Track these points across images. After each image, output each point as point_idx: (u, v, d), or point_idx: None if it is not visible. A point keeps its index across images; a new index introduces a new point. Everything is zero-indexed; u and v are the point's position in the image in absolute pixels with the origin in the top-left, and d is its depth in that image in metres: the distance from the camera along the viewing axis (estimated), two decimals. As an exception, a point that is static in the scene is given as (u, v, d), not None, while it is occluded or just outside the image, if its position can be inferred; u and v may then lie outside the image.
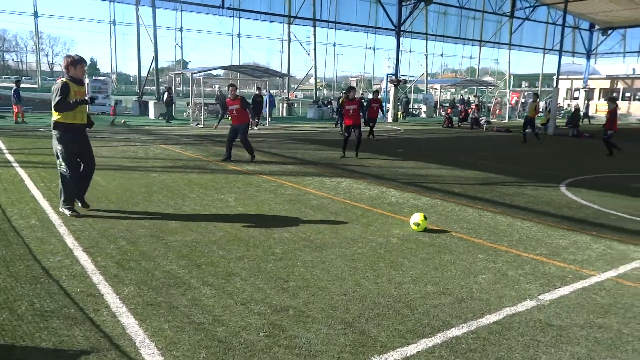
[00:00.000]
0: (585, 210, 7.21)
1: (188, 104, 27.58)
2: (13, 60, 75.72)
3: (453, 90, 74.87)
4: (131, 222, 5.88)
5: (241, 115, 11.16)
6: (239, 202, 7.11)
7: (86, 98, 6.15)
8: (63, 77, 6.10)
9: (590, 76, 44.87)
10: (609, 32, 43.92)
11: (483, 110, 31.62)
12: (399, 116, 31.38)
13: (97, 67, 69.21)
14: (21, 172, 8.98)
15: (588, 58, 45.33)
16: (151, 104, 27.03)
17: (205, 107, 26.52)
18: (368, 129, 17.18)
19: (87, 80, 28.39)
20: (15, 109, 20.30)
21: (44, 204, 6.63)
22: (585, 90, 43.13)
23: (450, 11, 39.61)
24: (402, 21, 30.31)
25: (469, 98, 42.72)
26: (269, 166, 10.77)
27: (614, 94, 43.67)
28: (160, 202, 6.94)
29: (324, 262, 4.69)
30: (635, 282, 4.35)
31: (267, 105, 24.96)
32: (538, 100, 19.46)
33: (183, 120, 25.06)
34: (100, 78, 30.62)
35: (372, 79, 76.81)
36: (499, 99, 35.46)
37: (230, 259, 4.71)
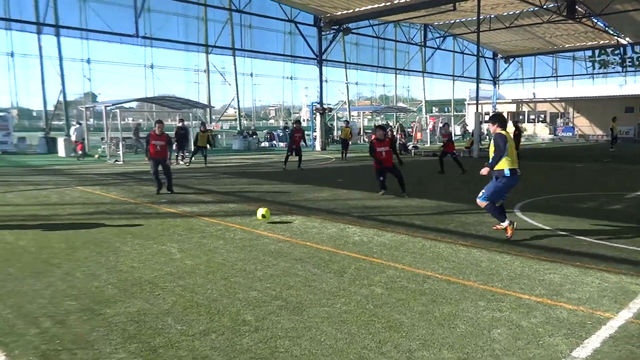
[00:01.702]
0: (554, 237, 6.99)
1: (102, 138, 25.55)
2: None
3: (370, 117, 77.14)
4: (54, 292, 4.72)
5: (163, 151, 11.34)
6: (184, 254, 6.11)
7: None
8: None
9: (497, 100, 47.90)
10: (510, 60, 47.40)
11: (409, 135, 32.34)
12: (327, 144, 31.24)
13: (-6, 101, 63.47)
14: None
15: (494, 84, 48.46)
16: (60, 140, 24.72)
17: (123, 142, 24.69)
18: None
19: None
20: None
21: None
22: (495, 114, 45.83)
23: (365, 41, 40.68)
24: (323, 50, 30.47)
25: (387, 123, 43.84)
26: (207, 206, 9.76)
27: (520, 117, 46.95)
28: (87, 261, 5.78)
29: (309, 328, 3.89)
30: (651, 321, 3.98)
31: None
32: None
33: (91, 158, 23.08)
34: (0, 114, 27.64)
35: (291, 108, 77.22)
36: (418, 124, 36.56)
37: (193, 335, 3.76)
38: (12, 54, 33.70)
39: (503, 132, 6.81)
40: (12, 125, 27.12)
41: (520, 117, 48.13)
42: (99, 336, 3.73)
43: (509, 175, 6.72)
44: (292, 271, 5.39)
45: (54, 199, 10.62)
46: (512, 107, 48.47)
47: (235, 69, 34.58)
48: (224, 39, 32.27)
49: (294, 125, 18.28)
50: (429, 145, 33.99)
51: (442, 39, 40.40)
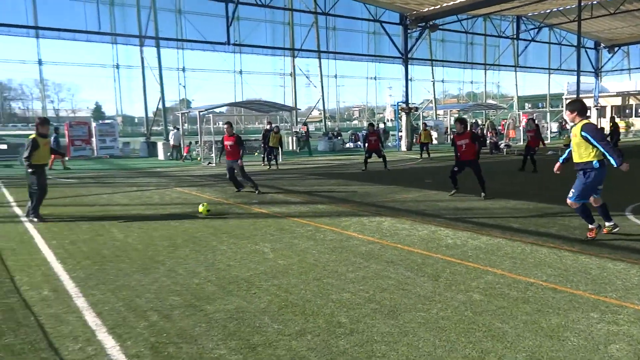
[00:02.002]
0: (672, 243, 6.28)
1: (196, 142, 27.00)
2: (19, 108, 76.28)
3: (456, 115, 74.61)
4: (160, 286, 5.01)
5: (234, 152, 11.78)
6: (277, 254, 6.24)
7: None
8: None
9: (600, 94, 44.31)
10: (615, 49, 43.61)
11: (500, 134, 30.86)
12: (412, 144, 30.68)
13: (102, 110, 69.48)
14: (30, 227, 8.18)
15: (596, 76, 44.89)
16: (159, 145, 26.48)
17: (215, 145, 25.89)
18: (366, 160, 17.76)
19: (94, 124, 28.00)
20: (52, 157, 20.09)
21: (57, 267, 5.78)
22: (597, 109, 42.47)
23: (452, 37, 39.39)
24: (409, 49, 29.91)
25: (476, 121, 42.10)
26: (296, 207, 9.93)
27: (627, 111, 43.08)
28: (188, 258, 6.08)
29: (405, 333, 3.78)
30: None
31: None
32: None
33: (194, 161, 24.44)
34: (107, 121, 30.20)
35: (375, 109, 76.83)
36: (511, 121, 34.72)
37: (289, 335, 3.81)
38: (117, 66, 36.71)
39: (588, 121, 6.28)
40: (117, 131, 29.50)
41: (627, 111, 44.16)
42: (201, 331, 3.90)
43: (598, 167, 6.14)
44: (384, 274, 5.30)
45: (156, 199, 11.35)
46: (617, 101, 44.60)
47: (320, 71, 35.03)
48: (309, 42, 32.84)
49: (369, 129, 18.27)
50: (521, 143, 32.17)
51: (536, 30, 38.09)
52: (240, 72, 40.44)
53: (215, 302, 4.55)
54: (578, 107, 6.45)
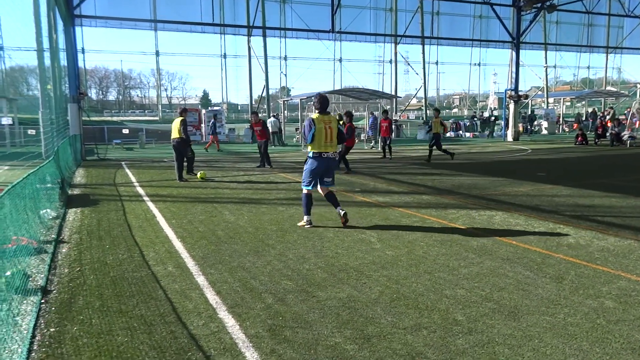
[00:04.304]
0: None
1: (297, 129, 27.65)
2: (137, 95, 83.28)
3: (569, 103, 68.93)
4: (272, 270, 5.16)
5: (262, 134, 15.48)
6: (384, 244, 6.16)
7: None
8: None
9: None
10: None
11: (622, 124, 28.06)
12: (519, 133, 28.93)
13: (210, 98, 73.77)
14: (152, 206, 8.85)
15: None
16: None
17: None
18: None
19: (203, 111, 29.74)
20: (210, 139, 23.20)
21: (178, 245, 6.19)
22: None
23: (568, 18, 36.31)
24: (521, 32, 28.03)
25: (594, 110, 38.59)
26: (399, 196, 9.76)
27: None
28: (297, 244, 6.21)
29: (530, 337, 3.53)
30: None
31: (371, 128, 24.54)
32: None
33: (294, 146, 25.05)
34: (215, 108, 31.91)
35: (477, 96, 73.45)
36: (636, 109, 31.32)
37: (404, 328, 3.73)
38: (224, 56, 38.53)
39: None
40: (224, 118, 31.07)
41: None
42: (315, 318, 3.94)
43: None
44: (500, 271, 5.01)
45: (262, 184, 11.77)
46: None
47: (423, 57, 34.12)
48: (412, 28, 32.07)
49: (382, 116, 18.76)
50: (648, 134, 28.97)
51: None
52: (340, 59, 40.67)
53: (326, 289, 4.59)
54: None
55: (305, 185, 7.07)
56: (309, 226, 7.07)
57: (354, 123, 16.14)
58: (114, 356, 3.34)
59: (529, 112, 34.14)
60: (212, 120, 23.56)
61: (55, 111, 14.65)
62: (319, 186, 7.13)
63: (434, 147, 16.69)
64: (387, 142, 18.08)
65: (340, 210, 7.06)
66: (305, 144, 7.16)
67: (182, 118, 12.35)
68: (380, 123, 18.47)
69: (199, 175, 12.63)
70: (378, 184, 11.52)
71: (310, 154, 6.97)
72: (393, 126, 31.67)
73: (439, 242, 6.19)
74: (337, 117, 17.04)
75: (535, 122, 35.11)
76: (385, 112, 19.83)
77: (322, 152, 6.89)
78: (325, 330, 3.72)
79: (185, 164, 12.73)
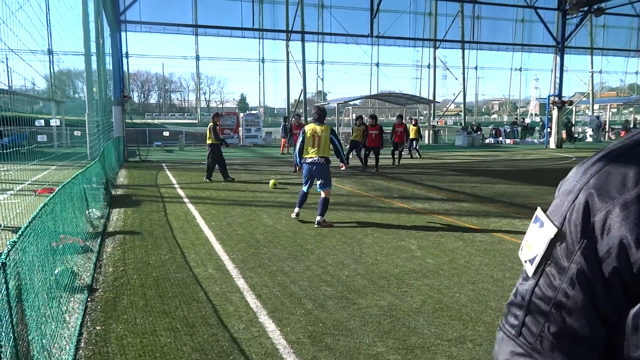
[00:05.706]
0: None
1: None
2: (177, 99, 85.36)
3: (615, 110, 66.49)
4: (312, 275, 5.14)
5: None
6: (425, 252, 6.05)
7: None
8: None
9: None
10: None
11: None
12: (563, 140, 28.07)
13: (247, 102, 74.77)
14: (192, 208, 8.99)
15: None
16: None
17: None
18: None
19: (241, 115, 30.16)
20: (282, 142, 23.61)
21: (218, 247, 6.25)
22: None
23: (616, 22, 35.03)
24: (567, 36, 27.22)
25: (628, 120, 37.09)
26: (439, 203, 9.59)
27: None
28: (335, 249, 6.17)
29: (582, 355, 3.37)
30: None
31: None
32: None
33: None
34: (252, 112, 32.32)
35: (517, 102, 71.75)
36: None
37: (448, 340, 3.63)
38: (262, 60, 38.99)
39: None
40: (261, 121, 31.41)
41: None
42: (356, 325, 3.89)
43: None
44: (547, 284, 4.83)
45: (298, 188, 11.77)
46: None
47: (463, 62, 33.62)
48: (451, 32, 31.64)
49: (396, 121, 18.40)
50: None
51: None
52: (377, 64, 40.50)
53: (367, 296, 4.53)
54: None
55: (303, 185, 7.92)
56: (294, 216, 7.84)
57: (382, 127, 16.03)
58: (158, 357, 3.37)
59: (566, 119, 33.08)
60: (283, 123, 24.26)
61: (100, 114, 15.12)
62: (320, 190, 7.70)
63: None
64: (399, 149, 17.51)
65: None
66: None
67: (211, 123, 12.95)
68: (394, 127, 17.95)
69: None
70: (416, 190, 11.36)
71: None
72: (431, 131, 31.29)
73: (481, 252, 6.03)
74: (358, 123, 16.86)
75: (574, 129, 34.01)
76: (400, 116, 19.23)
77: (306, 157, 7.63)
78: (367, 338, 3.66)
79: (217, 167, 13.00)
